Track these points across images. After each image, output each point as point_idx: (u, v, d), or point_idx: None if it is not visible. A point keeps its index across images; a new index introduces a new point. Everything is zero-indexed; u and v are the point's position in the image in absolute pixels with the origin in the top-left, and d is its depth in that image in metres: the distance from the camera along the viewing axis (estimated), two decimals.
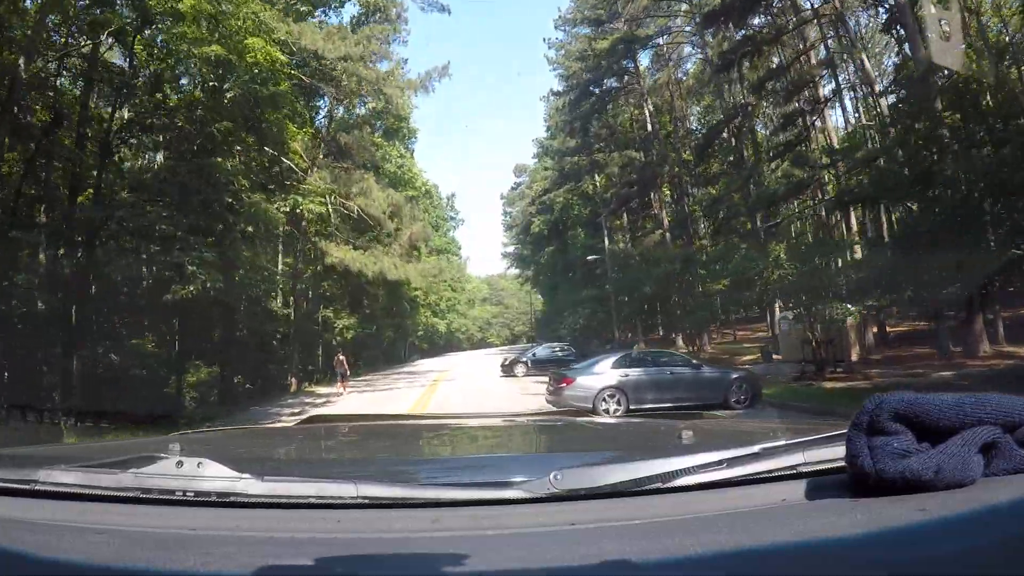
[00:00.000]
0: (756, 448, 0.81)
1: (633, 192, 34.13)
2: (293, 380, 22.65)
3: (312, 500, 0.75)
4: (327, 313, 28.90)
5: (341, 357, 19.76)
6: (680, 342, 33.38)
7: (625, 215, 39.63)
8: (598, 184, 42.78)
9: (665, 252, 28.33)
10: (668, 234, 32.17)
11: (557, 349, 25.06)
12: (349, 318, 29.18)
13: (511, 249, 62.50)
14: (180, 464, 0.80)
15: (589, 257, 32.37)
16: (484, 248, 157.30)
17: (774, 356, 19.06)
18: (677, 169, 31.36)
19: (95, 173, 14.99)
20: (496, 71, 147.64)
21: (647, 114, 32.49)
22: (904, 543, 0.59)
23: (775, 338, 21.19)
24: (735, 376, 11.10)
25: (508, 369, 23.38)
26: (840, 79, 22.41)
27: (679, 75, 33.61)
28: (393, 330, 44.49)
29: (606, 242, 34.15)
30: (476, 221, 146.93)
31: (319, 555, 0.63)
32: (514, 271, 63.26)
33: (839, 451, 0.75)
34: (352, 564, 0.62)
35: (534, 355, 24.04)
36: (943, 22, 2.48)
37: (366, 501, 0.74)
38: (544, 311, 56.85)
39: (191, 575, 0.59)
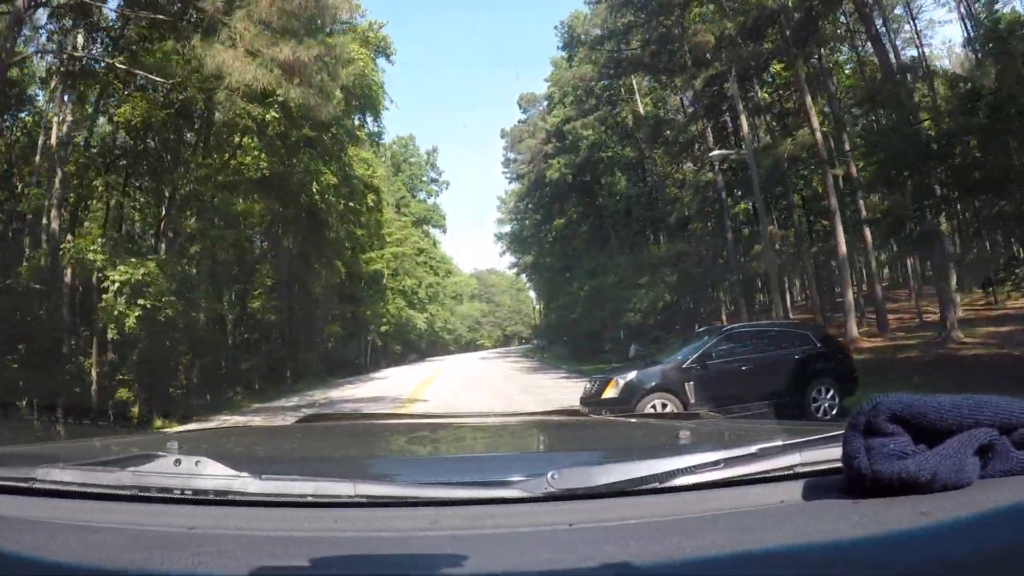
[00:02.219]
0: (753, 448, 0.80)
1: (765, 57, 17.72)
2: None
3: (310, 499, 0.75)
4: (92, 251, 11.71)
5: None
6: (853, 331, 16.80)
7: (709, 134, 23.14)
8: (642, 108, 29.91)
9: None
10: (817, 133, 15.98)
11: (778, 336, 7.98)
12: (139, 265, 11.83)
13: (507, 229, 49.82)
14: (178, 462, 0.79)
15: (713, 153, 15.94)
16: (472, 240, 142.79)
17: None
18: None
19: None
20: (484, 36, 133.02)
21: None
22: (901, 545, 0.60)
23: None
24: None
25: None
26: None
27: None
28: (345, 323, 27.44)
29: (744, 125, 17.52)
30: (464, 214, 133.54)
31: (317, 554, 0.63)
32: (510, 259, 51.54)
33: (836, 452, 0.75)
34: (350, 563, 0.62)
35: (705, 363, 6.66)
36: None
37: (364, 500, 0.74)
38: (548, 307, 44.32)
39: (189, 574, 0.60)
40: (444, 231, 55.67)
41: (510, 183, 44.10)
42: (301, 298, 25.04)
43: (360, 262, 28.42)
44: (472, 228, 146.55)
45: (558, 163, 32.00)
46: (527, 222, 43.31)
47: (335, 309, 28.43)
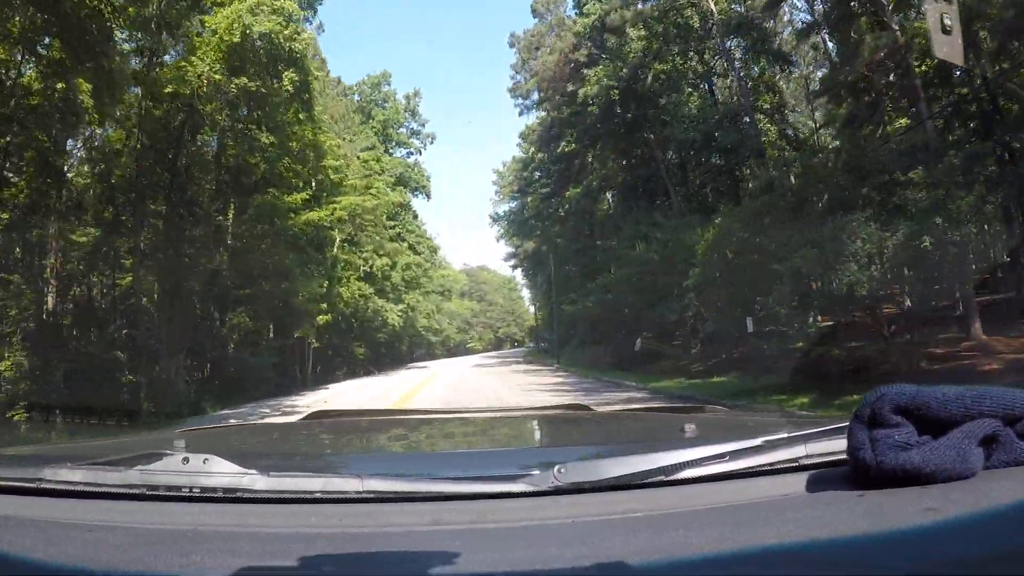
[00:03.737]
0: (759, 441, 0.81)
1: None
2: None
3: (317, 495, 0.76)
4: None
5: None
6: None
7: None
8: (713, 4, 18.89)
9: None
10: None
11: None
12: None
13: (507, 207, 43.04)
14: (186, 460, 0.79)
15: None
16: (470, 240, 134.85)
17: None
18: None
19: None
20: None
21: None
22: (906, 537, 0.61)
23: None
24: None
25: None
26: None
27: None
28: (261, 310, 16.17)
29: None
30: (459, 214, 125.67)
31: (324, 550, 0.64)
32: (505, 250, 48.75)
33: (841, 444, 0.76)
34: (357, 559, 0.63)
35: None
36: None
37: (371, 495, 0.75)
38: (555, 302, 34.57)
39: (197, 572, 0.60)
40: (428, 197, 44.86)
41: (520, 114, 34.55)
42: (168, 265, 14.10)
43: (281, 209, 17.31)
44: (466, 228, 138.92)
45: (597, 74, 21.40)
46: (529, 200, 35.99)
47: (242, 287, 17.35)
